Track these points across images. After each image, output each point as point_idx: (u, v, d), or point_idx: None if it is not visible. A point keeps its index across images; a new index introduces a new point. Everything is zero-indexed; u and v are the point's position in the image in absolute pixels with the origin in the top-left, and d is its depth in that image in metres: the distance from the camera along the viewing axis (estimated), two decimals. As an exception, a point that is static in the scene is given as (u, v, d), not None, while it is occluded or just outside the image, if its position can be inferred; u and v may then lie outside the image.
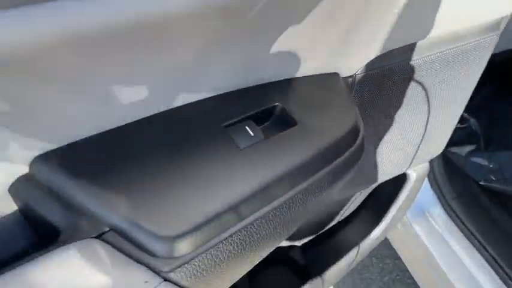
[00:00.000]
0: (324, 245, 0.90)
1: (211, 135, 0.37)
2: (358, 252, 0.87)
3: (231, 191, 0.34)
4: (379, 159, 0.65)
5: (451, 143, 1.42)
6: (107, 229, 0.33)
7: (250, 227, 0.35)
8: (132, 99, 0.34)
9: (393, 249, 1.42)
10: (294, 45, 0.38)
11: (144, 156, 0.34)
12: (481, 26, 0.55)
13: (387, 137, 0.61)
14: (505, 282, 1.02)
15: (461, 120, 1.49)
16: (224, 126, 0.38)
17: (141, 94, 0.34)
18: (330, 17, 0.37)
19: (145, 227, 0.31)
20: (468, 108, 1.53)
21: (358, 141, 0.41)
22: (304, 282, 0.83)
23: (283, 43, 0.37)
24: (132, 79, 0.32)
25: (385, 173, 0.69)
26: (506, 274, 1.03)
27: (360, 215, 0.92)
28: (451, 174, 1.22)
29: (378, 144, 0.61)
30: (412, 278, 1.37)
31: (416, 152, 0.68)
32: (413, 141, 0.65)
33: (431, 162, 1.16)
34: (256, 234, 0.35)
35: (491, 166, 1.34)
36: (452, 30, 0.52)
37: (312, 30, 0.37)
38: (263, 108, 0.40)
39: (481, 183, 1.28)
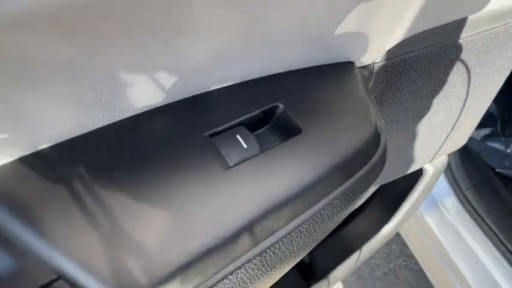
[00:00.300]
0: (330, 244, 0.83)
1: (192, 148, 0.29)
2: (365, 251, 0.81)
3: (218, 225, 0.26)
4: (399, 154, 0.57)
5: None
6: (55, 277, 0.25)
7: (241, 271, 0.27)
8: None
9: (399, 234, 1.36)
10: (299, 28, 0.29)
11: (105, 181, 0.26)
12: None
13: (410, 131, 0.52)
14: None
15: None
16: (209, 135, 0.30)
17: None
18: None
19: (104, 276, 0.24)
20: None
21: (379, 150, 0.33)
22: (309, 284, 0.77)
23: (286, 25, 0.28)
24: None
25: (404, 168, 0.61)
26: None
27: (368, 212, 0.85)
28: (465, 161, 1.14)
29: (399, 139, 0.53)
30: (419, 264, 1.32)
31: (442, 145, 0.59)
32: (439, 134, 0.57)
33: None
34: (250, 277, 0.27)
35: (508, 151, 1.25)
36: (492, 8, 0.42)
37: (321, 10, 0.28)
38: (259, 111, 0.32)
39: (497, 170, 1.20)
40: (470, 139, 1.30)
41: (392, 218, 0.81)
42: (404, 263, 1.64)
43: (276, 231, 0.28)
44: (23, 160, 0.25)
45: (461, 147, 1.17)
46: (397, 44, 0.38)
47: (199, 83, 0.30)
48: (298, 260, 0.32)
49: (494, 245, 1.04)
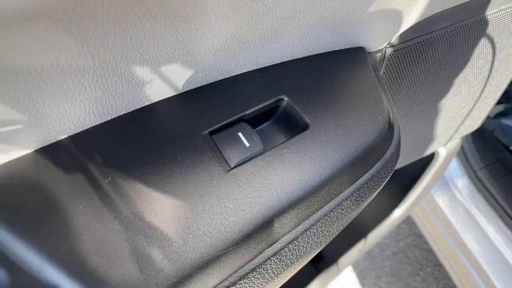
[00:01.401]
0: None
1: (191, 148, 0.27)
2: (376, 235, 0.79)
3: (220, 233, 0.25)
4: (414, 139, 0.54)
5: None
6: None
7: (244, 281, 0.25)
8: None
9: (409, 214, 1.35)
10: (309, 13, 0.26)
11: (100, 184, 0.24)
12: None
13: (426, 115, 0.50)
14: None
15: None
16: (208, 133, 0.28)
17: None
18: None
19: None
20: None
21: (392, 144, 0.30)
22: (320, 269, 0.76)
23: (296, 10, 0.25)
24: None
25: (419, 153, 0.59)
26: None
27: (380, 196, 0.83)
28: (478, 140, 1.11)
29: (415, 123, 0.50)
30: (428, 243, 1.31)
31: (458, 128, 0.57)
32: (456, 117, 0.54)
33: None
34: (254, 284, 0.26)
35: (523, 129, 1.21)
36: None
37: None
38: (262, 105, 0.29)
39: (511, 148, 1.16)
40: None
41: (403, 201, 0.79)
42: (414, 242, 1.64)
43: (281, 237, 0.26)
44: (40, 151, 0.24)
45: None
46: (411, 27, 0.34)
47: (200, 75, 0.28)
48: (306, 262, 0.30)
49: (507, 225, 1.02)
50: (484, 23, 0.41)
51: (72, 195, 0.24)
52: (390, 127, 0.30)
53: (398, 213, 0.80)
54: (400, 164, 0.60)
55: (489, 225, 1.05)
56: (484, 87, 0.53)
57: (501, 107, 1.29)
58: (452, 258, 1.13)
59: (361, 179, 0.29)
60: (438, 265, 1.53)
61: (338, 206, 0.28)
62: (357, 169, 0.28)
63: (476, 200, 1.08)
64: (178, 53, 0.24)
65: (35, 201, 0.23)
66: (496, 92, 0.59)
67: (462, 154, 1.07)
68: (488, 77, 0.52)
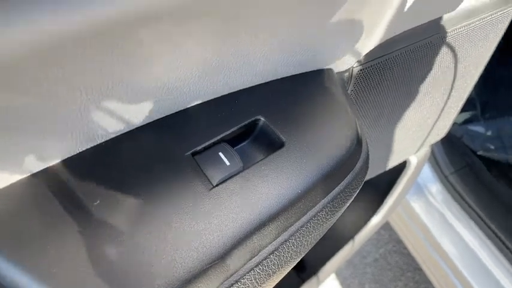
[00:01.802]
0: (322, 238, 0.84)
1: (175, 169, 0.28)
2: (356, 242, 0.82)
3: (205, 247, 0.26)
4: (384, 150, 0.57)
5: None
6: None
7: None
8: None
9: (387, 221, 1.39)
10: (278, 36, 0.29)
11: (87, 207, 0.25)
12: (495, 1, 0.46)
13: (394, 127, 0.53)
14: (505, 256, 1.00)
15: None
16: (191, 154, 0.30)
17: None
18: (322, 3, 0.28)
19: None
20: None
21: (361, 157, 0.33)
22: (303, 278, 0.78)
23: (264, 33, 0.28)
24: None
25: (390, 163, 0.62)
26: (507, 247, 1.01)
27: (357, 205, 0.86)
28: (448, 146, 1.16)
29: (385, 136, 0.54)
30: (407, 248, 1.35)
31: (426, 137, 0.60)
32: (423, 127, 0.58)
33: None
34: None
35: (489, 134, 1.28)
36: (466, 6, 0.43)
37: (299, 18, 0.28)
38: (240, 126, 0.31)
39: (479, 153, 1.23)
40: (453, 124, 1.33)
41: (380, 209, 0.82)
42: (394, 248, 1.68)
43: (263, 248, 0.28)
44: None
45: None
46: (375, 47, 0.38)
47: (180, 100, 0.29)
48: (288, 271, 0.32)
49: (479, 227, 1.07)
50: (444, 39, 0.45)
51: (62, 219, 0.25)
52: (358, 142, 0.33)
53: (376, 220, 0.83)
54: (373, 174, 0.64)
55: (463, 228, 1.09)
56: (447, 98, 0.57)
57: (468, 114, 1.37)
58: (431, 262, 1.17)
59: (333, 191, 0.31)
60: (418, 269, 1.57)
61: (314, 217, 0.30)
62: (329, 182, 0.31)
63: (449, 204, 1.13)
64: (162, 82, 0.26)
65: (23, 227, 0.24)
66: (458, 102, 0.63)
67: (434, 160, 1.12)
68: (451, 89, 0.56)
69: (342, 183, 0.31)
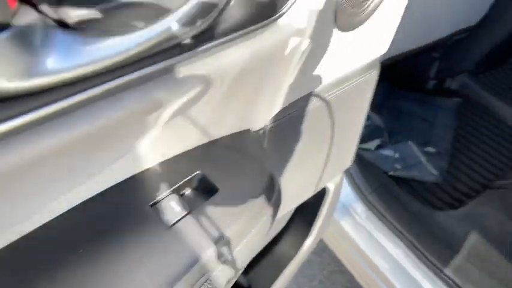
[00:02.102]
0: (263, 262, 0.95)
1: (138, 218, 0.38)
2: (293, 265, 0.94)
3: (165, 274, 0.36)
4: (302, 182, 0.71)
5: (361, 140, 1.58)
6: None
7: None
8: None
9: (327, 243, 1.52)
10: (212, 115, 0.41)
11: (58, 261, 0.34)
12: (364, 66, 0.64)
13: (304, 166, 0.68)
14: (424, 263, 1.15)
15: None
16: (150, 205, 0.40)
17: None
18: (237, 91, 0.41)
19: None
20: (370, 107, 1.70)
21: (274, 196, 0.46)
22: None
23: (200, 115, 0.40)
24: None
25: (310, 191, 0.76)
26: (424, 255, 1.16)
27: (291, 229, 0.99)
28: (364, 170, 1.35)
29: (300, 172, 0.68)
30: (346, 268, 1.48)
31: (334, 169, 0.75)
32: (328, 163, 0.73)
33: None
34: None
35: (396, 156, 1.52)
36: (342, 74, 0.60)
37: (223, 103, 0.41)
38: (185, 180, 0.43)
39: (390, 173, 1.45)
40: (366, 150, 1.55)
41: (311, 231, 0.96)
42: (336, 268, 1.80)
43: (209, 271, 0.39)
44: None
45: (359, 158, 1.39)
46: (280, 111, 0.52)
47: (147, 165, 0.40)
48: None
49: (401, 240, 1.22)
50: (324, 101, 0.61)
51: (34, 277, 0.33)
52: (271, 184, 0.46)
53: (309, 242, 0.96)
54: (299, 202, 0.77)
55: (387, 241, 1.24)
56: (341, 141, 0.73)
57: (378, 141, 1.61)
58: (367, 277, 1.29)
59: (253, 220, 0.43)
60: (360, 286, 1.71)
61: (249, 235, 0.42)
62: (252, 214, 0.43)
63: (372, 221, 1.29)
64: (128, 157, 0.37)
65: None
66: (352, 140, 0.80)
67: (354, 183, 1.31)
68: (341, 135, 0.72)
69: (255, 220, 0.44)
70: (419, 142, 1.57)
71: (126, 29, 0.28)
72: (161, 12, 0.30)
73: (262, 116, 0.49)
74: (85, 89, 0.29)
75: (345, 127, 0.71)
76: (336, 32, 0.49)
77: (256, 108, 0.47)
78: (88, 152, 0.33)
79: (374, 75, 0.68)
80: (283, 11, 0.40)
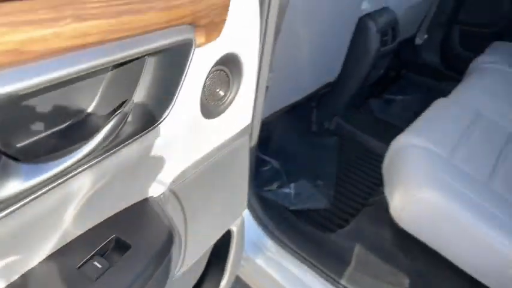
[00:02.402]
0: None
1: (70, 279, 0.52)
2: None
3: None
4: (206, 231, 0.89)
5: (262, 184, 1.82)
6: None
7: None
8: None
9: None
10: (117, 197, 0.58)
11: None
12: (233, 136, 0.87)
13: (202, 217, 0.86)
14: (326, 279, 1.34)
15: (264, 162, 1.95)
16: (78, 268, 0.54)
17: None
18: (132, 178, 0.59)
19: None
20: (267, 152, 1.98)
21: (172, 250, 0.63)
22: None
23: (106, 199, 0.56)
24: None
25: (217, 234, 0.94)
26: (324, 272, 1.36)
27: (209, 272, 1.14)
28: (269, 209, 1.57)
29: (198, 224, 0.86)
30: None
31: (222, 221, 0.95)
32: (218, 215, 0.93)
33: (251, 204, 1.49)
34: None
35: (293, 193, 1.80)
36: (216, 144, 0.81)
37: (126, 186, 0.59)
38: (104, 243, 0.58)
39: (290, 208, 1.70)
40: (269, 191, 1.80)
41: (224, 272, 1.12)
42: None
43: None
44: None
45: (262, 200, 1.61)
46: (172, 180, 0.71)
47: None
48: None
49: (304, 263, 1.40)
50: (209, 169, 0.83)
51: None
52: (169, 236, 0.63)
53: (223, 284, 1.12)
54: (205, 248, 0.94)
55: (296, 268, 1.42)
56: (216, 205, 0.94)
57: (278, 182, 1.87)
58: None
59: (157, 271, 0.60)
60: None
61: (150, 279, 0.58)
62: (157, 263, 0.60)
63: (281, 253, 1.46)
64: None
65: None
66: (241, 189, 1.02)
67: (261, 222, 1.51)
68: (223, 191, 0.92)
69: (161, 265, 0.60)
70: (310, 177, 1.88)
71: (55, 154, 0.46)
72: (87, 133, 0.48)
73: (155, 190, 0.68)
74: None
75: (232, 182, 0.92)
76: (203, 120, 0.71)
77: (149, 184, 0.65)
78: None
79: (245, 140, 0.91)
80: (163, 117, 0.60)
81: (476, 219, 1.06)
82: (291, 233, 1.52)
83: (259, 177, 1.84)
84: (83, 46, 0.38)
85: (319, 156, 2.03)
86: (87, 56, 0.39)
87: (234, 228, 1.09)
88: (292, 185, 1.84)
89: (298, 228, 1.59)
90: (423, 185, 1.13)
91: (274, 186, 1.85)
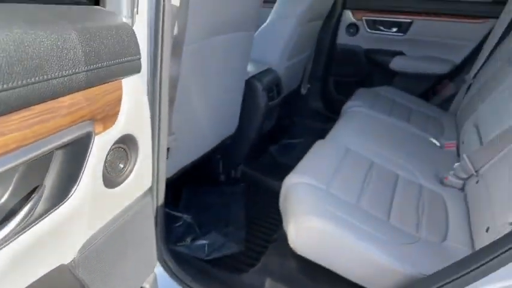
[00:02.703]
0: None
1: None
2: None
3: None
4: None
5: (176, 239, 1.90)
6: None
7: None
8: None
9: None
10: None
11: None
12: (137, 199, 0.99)
13: (114, 277, 0.94)
14: None
15: (176, 218, 2.04)
16: None
17: None
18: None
19: None
20: (178, 208, 2.07)
21: None
22: None
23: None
24: None
25: None
26: None
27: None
28: (183, 263, 1.63)
29: (112, 284, 0.92)
30: None
31: (134, 280, 1.03)
32: (130, 273, 1.01)
33: (166, 261, 1.55)
34: None
35: (207, 243, 1.91)
36: (120, 209, 0.92)
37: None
38: None
39: (206, 258, 1.80)
40: (183, 246, 1.88)
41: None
42: None
43: None
44: None
45: (176, 256, 1.68)
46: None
47: None
48: None
49: None
50: (117, 232, 0.92)
51: None
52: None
53: None
54: None
55: None
56: (129, 263, 1.05)
57: (192, 236, 1.97)
58: None
59: None
60: None
61: None
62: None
63: None
64: None
65: None
66: (149, 250, 1.11)
67: (175, 276, 1.56)
68: (132, 253, 1.03)
69: None
70: (222, 225, 2.01)
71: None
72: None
73: (66, 257, 0.75)
74: None
75: (140, 240, 1.02)
76: (107, 190, 0.82)
77: (60, 252, 0.73)
78: None
79: (147, 201, 1.03)
80: (70, 194, 0.70)
81: (354, 238, 1.30)
82: (206, 281, 1.60)
83: (173, 234, 1.91)
84: (6, 153, 0.50)
85: (228, 204, 2.19)
86: (7, 160, 0.50)
87: (147, 286, 1.16)
88: (205, 237, 1.95)
89: (214, 275, 1.68)
90: (309, 215, 1.35)
91: (188, 240, 1.94)
